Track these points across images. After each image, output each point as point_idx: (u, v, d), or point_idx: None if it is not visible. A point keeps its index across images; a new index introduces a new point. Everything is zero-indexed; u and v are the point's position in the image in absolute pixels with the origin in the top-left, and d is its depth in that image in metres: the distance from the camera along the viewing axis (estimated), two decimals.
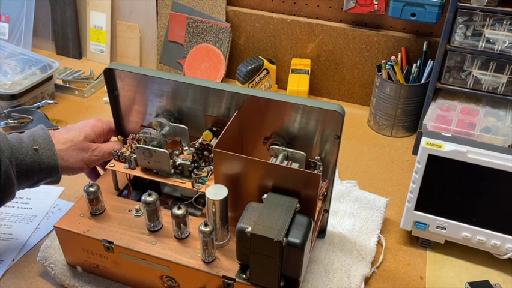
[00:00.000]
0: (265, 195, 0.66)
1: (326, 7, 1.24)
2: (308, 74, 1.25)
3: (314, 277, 0.76)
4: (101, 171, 0.87)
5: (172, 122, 0.81)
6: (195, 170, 0.76)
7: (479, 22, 0.92)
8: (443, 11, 1.06)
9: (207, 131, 0.78)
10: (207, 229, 0.64)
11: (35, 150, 0.74)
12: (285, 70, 1.33)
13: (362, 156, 1.10)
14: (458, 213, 0.79)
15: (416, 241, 0.86)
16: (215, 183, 0.70)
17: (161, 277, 0.71)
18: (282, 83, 1.35)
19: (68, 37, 1.50)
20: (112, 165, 0.79)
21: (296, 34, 1.27)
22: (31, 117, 1.14)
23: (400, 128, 1.16)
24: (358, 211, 0.90)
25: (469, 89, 0.99)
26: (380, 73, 1.14)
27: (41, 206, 0.92)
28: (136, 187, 0.83)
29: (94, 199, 0.73)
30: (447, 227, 0.80)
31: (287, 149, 0.73)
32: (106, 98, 1.28)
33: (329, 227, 0.85)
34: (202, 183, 0.75)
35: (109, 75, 0.80)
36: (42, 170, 0.75)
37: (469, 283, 0.77)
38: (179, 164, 0.76)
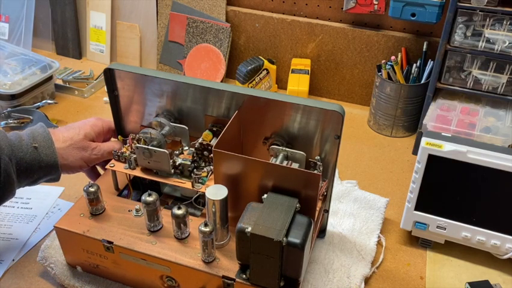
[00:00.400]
0: (265, 195, 0.66)
1: (326, 7, 1.24)
2: (308, 74, 1.25)
3: (314, 277, 0.76)
4: (101, 171, 0.87)
5: (172, 122, 0.80)
6: (194, 170, 0.76)
7: (479, 22, 0.92)
8: (443, 11, 1.06)
9: (207, 131, 0.78)
10: (207, 229, 0.64)
11: (35, 148, 0.74)
12: (285, 70, 1.33)
13: (362, 156, 1.10)
14: (458, 213, 0.79)
15: (416, 241, 0.86)
16: (215, 183, 0.70)
17: (161, 277, 0.71)
18: (282, 83, 1.35)
19: (68, 37, 1.50)
20: (112, 165, 0.79)
21: (296, 34, 1.27)
22: (31, 117, 1.13)
23: (400, 128, 1.16)
24: (358, 211, 0.90)
25: (469, 89, 0.99)
26: (380, 73, 1.14)
27: (41, 206, 0.92)
28: (136, 187, 0.83)
29: (94, 199, 0.73)
30: (447, 227, 0.80)
31: (287, 149, 0.73)
32: (106, 98, 1.28)
33: (329, 227, 0.85)
34: (202, 183, 0.75)
35: (109, 75, 0.80)
36: (42, 167, 0.75)
37: (469, 283, 0.77)
38: (179, 164, 0.76)
